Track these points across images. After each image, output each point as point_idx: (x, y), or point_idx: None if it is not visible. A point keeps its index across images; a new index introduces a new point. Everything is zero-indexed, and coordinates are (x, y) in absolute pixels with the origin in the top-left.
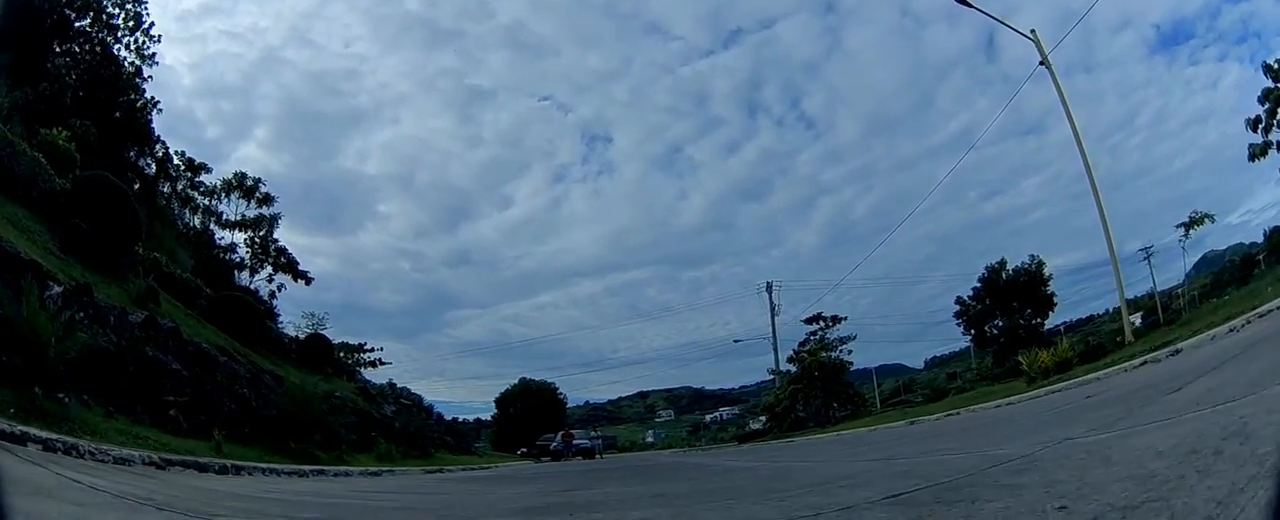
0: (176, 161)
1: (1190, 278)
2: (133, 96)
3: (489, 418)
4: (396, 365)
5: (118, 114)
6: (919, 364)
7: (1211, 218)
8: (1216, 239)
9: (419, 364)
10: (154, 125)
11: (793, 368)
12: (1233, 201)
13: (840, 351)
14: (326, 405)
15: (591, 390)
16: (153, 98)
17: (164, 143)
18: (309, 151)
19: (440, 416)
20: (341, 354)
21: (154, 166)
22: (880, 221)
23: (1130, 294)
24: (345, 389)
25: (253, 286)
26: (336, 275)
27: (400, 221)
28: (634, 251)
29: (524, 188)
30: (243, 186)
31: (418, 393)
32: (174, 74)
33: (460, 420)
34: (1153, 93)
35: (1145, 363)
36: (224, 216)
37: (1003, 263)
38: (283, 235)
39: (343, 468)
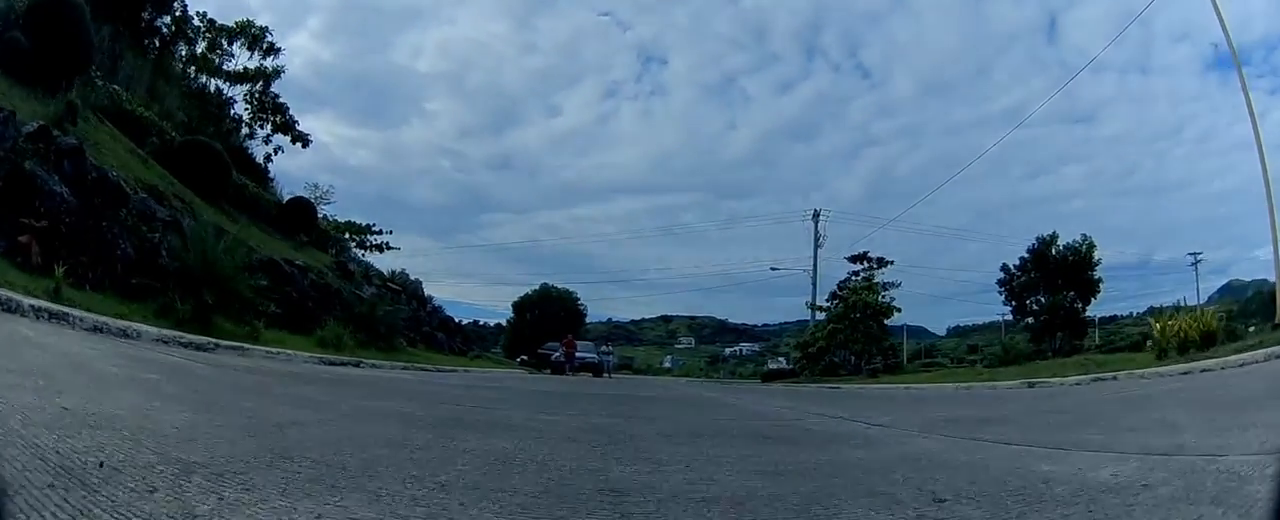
0: (197, 23)
1: (1212, 301)
2: None
3: (506, 323)
4: (425, 260)
5: None
6: (941, 330)
7: None
8: (1241, 270)
9: (449, 262)
10: None
11: (830, 307)
12: (1263, 235)
13: (886, 296)
14: (241, 263)
15: (615, 308)
16: None
17: (183, 1)
18: (362, 44)
19: (438, 310)
20: (349, 234)
21: (172, 27)
22: (923, 181)
23: (1152, 303)
24: (321, 260)
25: (249, 149)
26: (376, 168)
27: (446, 120)
28: (676, 176)
29: (574, 99)
30: (247, 33)
31: (417, 281)
32: None
33: (480, 323)
34: (1202, 109)
35: None
36: (225, 67)
37: (1054, 236)
38: (326, 125)
39: (183, 334)
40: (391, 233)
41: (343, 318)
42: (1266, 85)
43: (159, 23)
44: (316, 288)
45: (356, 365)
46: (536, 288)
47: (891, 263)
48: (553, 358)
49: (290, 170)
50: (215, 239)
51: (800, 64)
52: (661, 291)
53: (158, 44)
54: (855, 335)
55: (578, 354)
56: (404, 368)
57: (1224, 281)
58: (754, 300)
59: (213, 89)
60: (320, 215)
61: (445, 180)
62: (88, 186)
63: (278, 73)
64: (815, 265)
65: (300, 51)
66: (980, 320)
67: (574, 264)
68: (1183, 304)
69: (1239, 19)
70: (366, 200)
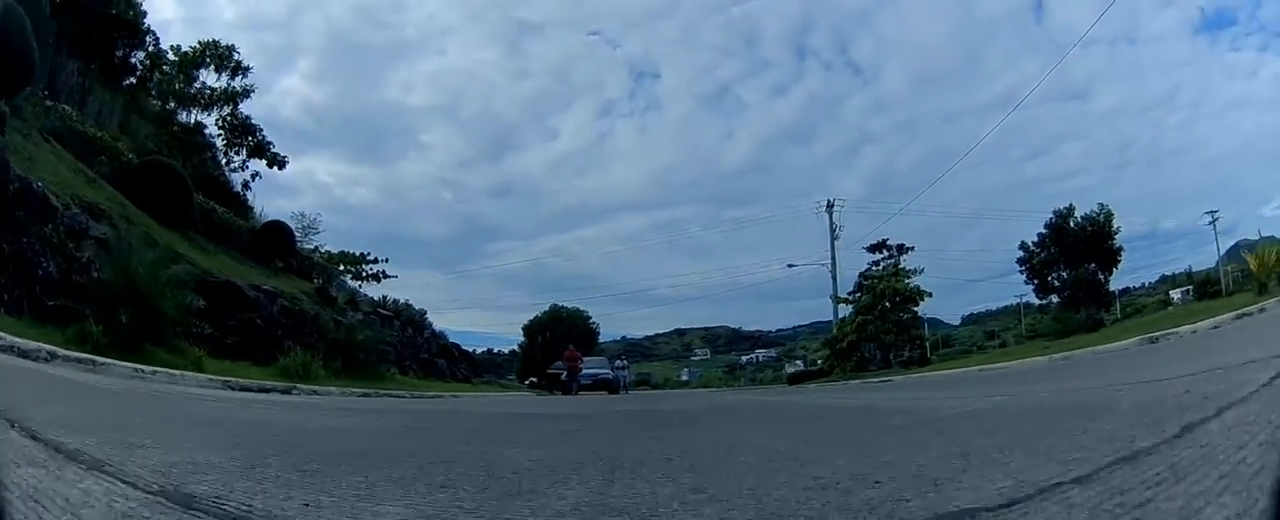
0: (171, 56)
1: (1222, 262)
2: None
3: (519, 347)
4: (435, 293)
5: (112, 10)
6: (955, 320)
7: None
8: (1248, 228)
9: (458, 293)
10: (146, 17)
11: (856, 298)
12: (1267, 193)
13: (913, 282)
14: (172, 280)
15: (628, 326)
16: None
17: (155, 35)
18: (353, 83)
19: (437, 336)
20: (344, 264)
21: (147, 63)
22: (923, 173)
23: (1165, 271)
24: (301, 287)
25: (226, 178)
26: (377, 206)
27: (443, 152)
28: (678, 189)
29: (569, 121)
30: (215, 54)
31: (421, 310)
32: (215, 8)
33: (495, 351)
34: (1193, 74)
35: None
36: (192, 93)
37: (1072, 208)
38: (324, 165)
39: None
40: (387, 260)
41: (318, 345)
42: (1256, 42)
43: (133, 59)
44: (288, 314)
45: (286, 392)
46: (546, 309)
47: (912, 248)
48: (563, 377)
49: (290, 210)
50: (145, 252)
51: (792, 67)
52: (673, 305)
53: (134, 80)
54: (887, 326)
55: (588, 370)
56: (363, 395)
57: (1231, 243)
58: (766, 305)
59: (192, 121)
60: (313, 247)
61: (448, 212)
62: (8, 199)
63: (247, 92)
64: (833, 257)
65: (293, 94)
66: (995, 305)
67: (582, 285)
68: (1192, 271)
69: None
70: (371, 238)
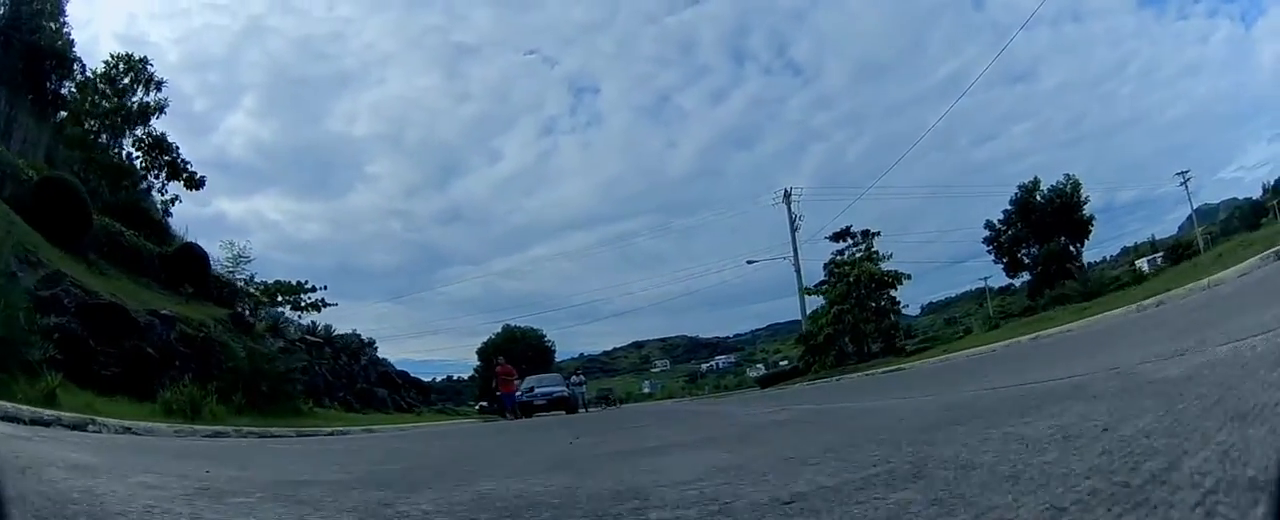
0: (99, 84)
1: (1183, 229)
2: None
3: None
4: (392, 324)
5: (40, 39)
6: (914, 310)
7: None
8: (1209, 194)
9: (414, 322)
10: (73, 44)
11: (826, 289)
12: (1225, 157)
13: (886, 264)
14: (18, 305)
15: (585, 342)
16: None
17: (82, 62)
18: (297, 116)
19: (378, 363)
20: (281, 294)
21: (78, 93)
22: (871, 168)
23: (1128, 242)
24: (214, 314)
25: (148, 204)
26: (329, 240)
27: (390, 182)
28: (624, 202)
29: (512, 141)
30: (131, 67)
31: (371, 339)
32: (159, 50)
33: (454, 377)
34: (1142, 44)
35: None
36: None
37: (1037, 182)
38: (273, 202)
39: None
40: (325, 288)
41: (219, 375)
42: (1203, 9)
43: (63, 89)
44: (188, 341)
45: (82, 427)
46: (499, 330)
47: (878, 234)
48: (518, 398)
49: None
50: None
51: (731, 71)
52: (629, 318)
53: (66, 113)
54: (864, 314)
55: (541, 389)
56: (215, 434)
57: (1194, 208)
58: (722, 312)
59: (121, 153)
60: (249, 275)
61: (399, 242)
62: None
63: (161, 108)
64: (795, 249)
65: (240, 132)
66: (955, 292)
67: (538, 305)
68: (1156, 239)
69: None
70: (325, 273)
